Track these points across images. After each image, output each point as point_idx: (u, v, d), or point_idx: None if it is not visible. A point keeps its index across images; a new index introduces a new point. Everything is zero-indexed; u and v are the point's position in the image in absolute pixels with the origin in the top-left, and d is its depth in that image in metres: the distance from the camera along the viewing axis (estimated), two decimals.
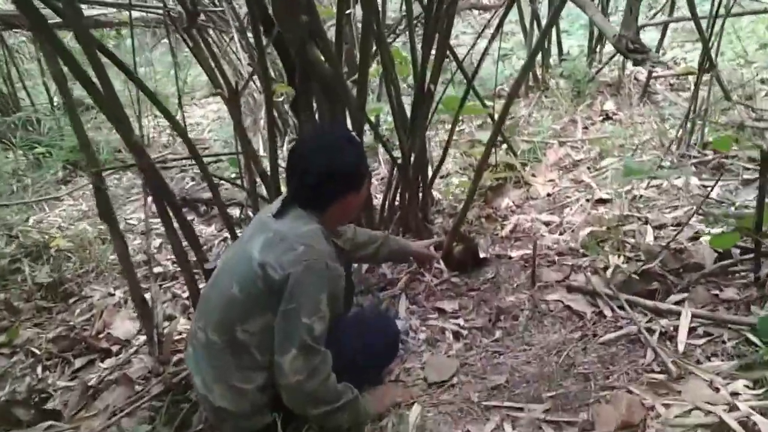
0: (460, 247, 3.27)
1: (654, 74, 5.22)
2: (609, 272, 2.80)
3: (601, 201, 3.61)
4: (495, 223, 3.69)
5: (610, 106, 5.20)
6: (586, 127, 4.93)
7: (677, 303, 2.52)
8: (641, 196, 3.51)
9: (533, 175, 4.21)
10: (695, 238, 2.95)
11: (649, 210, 3.36)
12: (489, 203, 3.99)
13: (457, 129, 4.51)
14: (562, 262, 3.07)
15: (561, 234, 3.38)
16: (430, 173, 3.60)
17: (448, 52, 3.22)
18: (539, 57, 5.69)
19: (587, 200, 3.69)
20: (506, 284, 3.04)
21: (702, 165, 3.78)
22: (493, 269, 3.18)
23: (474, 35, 7.79)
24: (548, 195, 3.98)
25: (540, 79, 5.76)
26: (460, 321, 2.79)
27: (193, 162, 3.18)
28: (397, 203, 3.43)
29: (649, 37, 5.89)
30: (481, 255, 3.24)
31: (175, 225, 2.63)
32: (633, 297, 2.60)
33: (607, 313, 2.60)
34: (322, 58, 2.64)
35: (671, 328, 2.39)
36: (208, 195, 4.35)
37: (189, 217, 3.51)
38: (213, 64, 2.73)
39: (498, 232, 3.59)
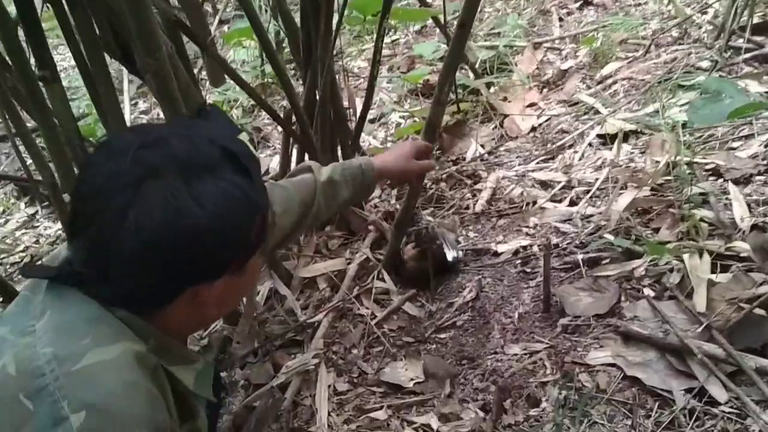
0: (412, 251, 1.96)
1: None
2: (700, 296, 1.50)
3: (620, 136, 2.30)
4: (462, 190, 2.36)
5: None
6: (561, 19, 3.56)
7: None
8: (683, 124, 2.19)
9: (505, 100, 2.86)
10: None
11: (708, 150, 2.06)
12: (446, 152, 2.65)
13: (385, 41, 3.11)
14: (592, 265, 1.78)
15: (574, 204, 2.08)
16: (352, 121, 2.24)
17: None
18: None
19: (600, 138, 2.37)
20: (500, 314, 1.75)
21: (756, 61, 2.48)
22: (472, 281, 1.88)
23: None
24: (533, 130, 2.65)
25: None
26: (430, 420, 1.49)
27: None
28: None
29: None
30: (449, 256, 1.93)
31: None
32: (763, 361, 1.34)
33: (719, 395, 1.33)
34: None
35: None
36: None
37: None
38: None
39: (468, 205, 2.27)
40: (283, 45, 3.25)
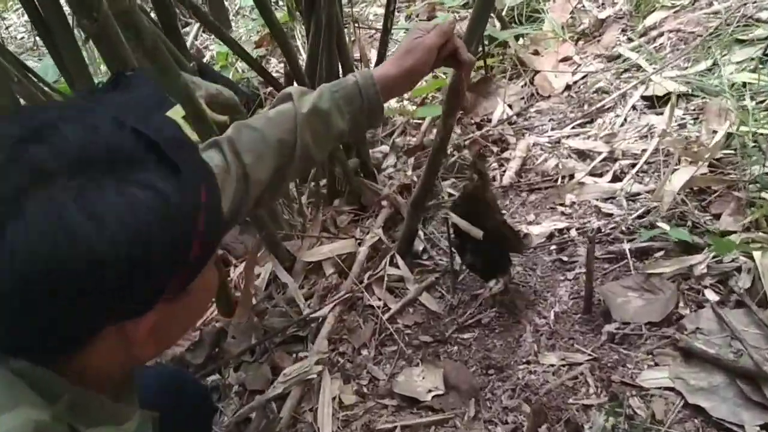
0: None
1: None
2: None
3: (666, 99, 2.01)
4: (488, 158, 2.09)
5: None
6: None
7: None
8: (744, 85, 1.90)
9: (536, 54, 2.57)
10: None
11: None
12: (469, 113, 2.37)
13: None
14: (641, 256, 1.53)
15: (618, 179, 1.81)
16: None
17: None
18: None
19: (645, 100, 2.08)
20: (533, 312, 1.51)
21: None
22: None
23: None
24: (568, 88, 2.37)
25: None
26: None
27: None
28: None
29: None
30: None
31: None
32: None
33: None
34: None
35: None
36: None
37: None
38: None
39: (495, 176, 2.01)
40: None
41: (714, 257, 1.40)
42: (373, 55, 2.71)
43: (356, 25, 2.13)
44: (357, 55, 2.47)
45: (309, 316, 1.62)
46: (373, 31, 3.08)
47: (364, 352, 1.55)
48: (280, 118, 1.04)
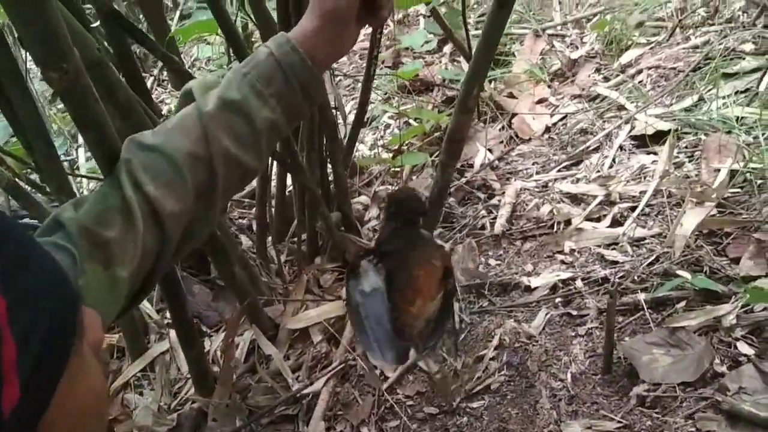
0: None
1: None
2: None
3: (658, 135, 1.94)
4: (474, 205, 1.98)
5: None
6: (560, 2, 3.20)
7: None
8: (737, 119, 1.84)
9: (510, 96, 2.49)
10: None
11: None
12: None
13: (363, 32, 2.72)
14: (658, 308, 1.42)
15: (618, 223, 1.71)
16: (342, 128, 1.86)
17: None
18: None
19: (632, 139, 2.01)
20: (547, 374, 1.38)
21: None
22: (503, 326, 1.51)
23: None
24: (547, 130, 2.29)
25: None
26: None
27: None
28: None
29: None
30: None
31: None
32: None
33: None
34: None
35: None
36: None
37: None
38: None
39: (484, 224, 1.89)
40: (252, 39, 2.83)
41: (742, 307, 1.29)
42: (350, 105, 2.61)
43: (330, 71, 2.02)
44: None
45: (299, 392, 1.45)
46: (348, 80, 2.98)
47: (364, 430, 1.39)
48: (183, 125, 0.81)
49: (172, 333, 1.69)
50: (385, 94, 2.72)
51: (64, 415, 0.45)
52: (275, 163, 1.74)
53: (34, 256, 0.44)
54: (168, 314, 1.76)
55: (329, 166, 1.76)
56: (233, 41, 1.47)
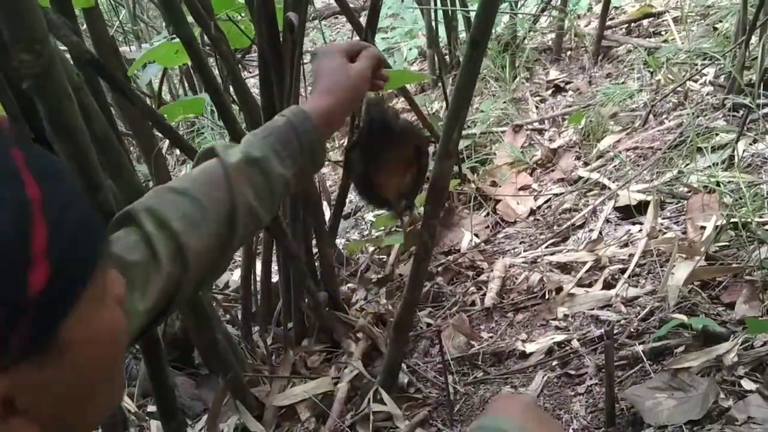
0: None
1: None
2: None
3: (642, 206, 1.95)
4: (463, 283, 1.95)
5: (555, 74, 3.61)
6: (537, 106, 3.32)
7: None
8: (718, 184, 1.86)
9: (493, 184, 2.52)
10: None
11: (758, 207, 1.71)
12: (435, 246, 2.25)
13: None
14: (657, 358, 1.36)
15: (610, 286, 1.68)
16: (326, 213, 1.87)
17: None
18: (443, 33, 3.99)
19: (617, 211, 2.02)
20: None
21: None
22: (500, 393, 1.44)
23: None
24: (532, 213, 2.30)
25: (449, 58, 4.10)
26: None
27: None
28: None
29: None
30: None
31: None
32: None
33: None
34: None
35: None
36: None
37: None
38: None
39: (474, 300, 1.86)
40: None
41: (743, 344, 1.25)
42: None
43: None
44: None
45: None
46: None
47: None
48: (208, 175, 0.84)
49: (152, 424, 1.62)
50: None
51: (84, 330, 0.47)
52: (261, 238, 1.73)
53: (69, 178, 0.50)
54: (149, 407, 1.69)
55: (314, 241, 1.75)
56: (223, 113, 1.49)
